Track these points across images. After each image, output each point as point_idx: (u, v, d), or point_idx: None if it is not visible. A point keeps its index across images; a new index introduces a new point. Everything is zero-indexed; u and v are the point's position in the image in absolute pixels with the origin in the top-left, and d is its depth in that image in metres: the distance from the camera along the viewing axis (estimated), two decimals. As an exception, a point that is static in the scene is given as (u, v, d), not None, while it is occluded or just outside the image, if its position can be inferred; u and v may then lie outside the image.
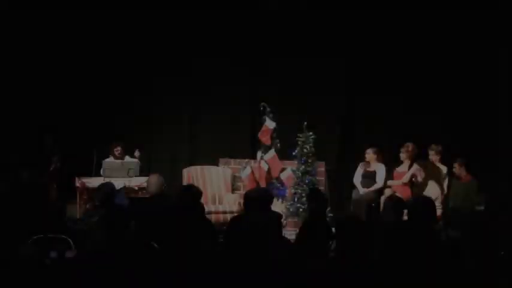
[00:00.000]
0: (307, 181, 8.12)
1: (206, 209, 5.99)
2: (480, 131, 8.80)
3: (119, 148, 8.71)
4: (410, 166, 8.23)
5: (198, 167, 8.84)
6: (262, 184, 8.31)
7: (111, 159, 8.70)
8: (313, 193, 5.96)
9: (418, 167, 8.04)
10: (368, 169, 8.50)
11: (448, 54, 8.91)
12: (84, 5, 9.14)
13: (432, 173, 7.82)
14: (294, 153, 8.33)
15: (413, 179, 8.15)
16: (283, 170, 8.41)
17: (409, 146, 8.30)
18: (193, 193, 5.26)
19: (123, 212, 4.34)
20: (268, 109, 8.40)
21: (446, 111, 8.98)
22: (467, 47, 8.81)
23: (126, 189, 7.98)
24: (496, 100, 8.85)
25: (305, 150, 8.22)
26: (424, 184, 7.83)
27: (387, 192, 8.14)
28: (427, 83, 9.03)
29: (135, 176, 8.36)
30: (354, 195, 8.47)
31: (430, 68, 8.99)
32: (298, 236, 5.46)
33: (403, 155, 8.30)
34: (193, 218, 4.97)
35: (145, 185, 7.43)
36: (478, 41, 8.76)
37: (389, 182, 8.31)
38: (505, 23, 8.62)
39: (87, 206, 7.57)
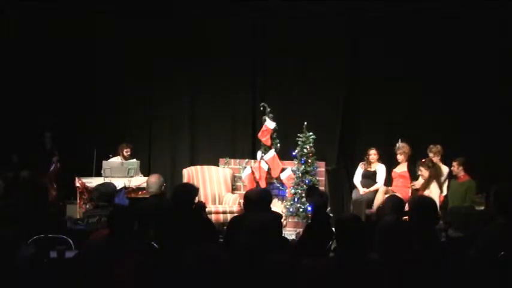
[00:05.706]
0: (307, 181, 8.12)
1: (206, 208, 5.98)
2: (480, 131, 8.79)
3: (128, 150, 8.76)
4: (408, 166, 8.23)
5: (198, 167, 8.84)
6: (262, 184, 8.31)
7: (117, 159, 8.72)
8: (311, 190, 5.95)
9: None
10: (368, 169, 8.49)
11: (449, 55, 8.91)
12: (88, 9, 9.17)
13: (434, 172, 7.80)
14: (294, 153, 8.33)
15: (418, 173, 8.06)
16: (283, 170, 8.42)
17: (405, 146, 8.30)
18: (186, 191, 5.17)
19: (126, 212, 4.33)
20: (268, 109, 8.41)
21: (446, 111, 8.97)
22: (468, 47, 8.80)
23: (126, 189, 8.00)
24: (495, 100, 8.84)
25: (305, 150, 8.22)
26: (426, 183, 7.81)
27: (387, 192, 8.12)
28: (427, 83, 9.02)
29: (135, 176, 8.38)
30: (354, 195, 8.47)
31: (430, 69, 8.98)
32: (300, 236, 5.46)
33: (400, 157, 8.30)
34: (189, 216, 4.94)
35: (145, 185, 7.44)
36: (478, 41, 8.76)
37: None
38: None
39: (87, 206, 7.58)
